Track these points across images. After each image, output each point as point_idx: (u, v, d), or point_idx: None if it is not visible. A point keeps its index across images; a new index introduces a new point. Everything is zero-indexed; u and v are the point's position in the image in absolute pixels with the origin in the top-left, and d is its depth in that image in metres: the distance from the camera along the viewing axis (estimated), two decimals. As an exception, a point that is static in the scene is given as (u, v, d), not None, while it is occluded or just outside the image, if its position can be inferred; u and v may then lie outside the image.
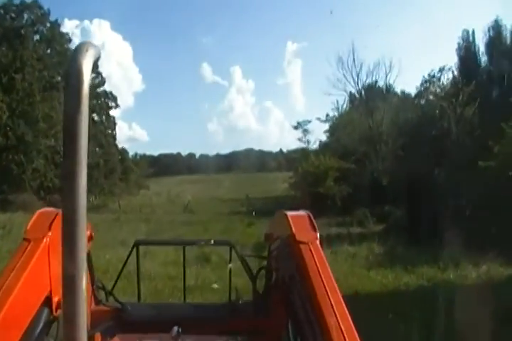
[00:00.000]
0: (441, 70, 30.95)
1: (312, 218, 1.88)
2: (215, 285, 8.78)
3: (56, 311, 1.61)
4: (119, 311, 2.05)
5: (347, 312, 1.42)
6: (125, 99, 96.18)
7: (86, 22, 62.83)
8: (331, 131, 35.38)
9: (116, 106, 43.20)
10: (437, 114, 19.03)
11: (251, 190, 40.09)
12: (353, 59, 29.63)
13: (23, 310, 1.43)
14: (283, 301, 1.85)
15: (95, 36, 76.19)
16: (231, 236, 16.97)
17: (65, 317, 0.76)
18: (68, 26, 52.35)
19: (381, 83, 29.78)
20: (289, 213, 1.91)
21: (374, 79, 29.49)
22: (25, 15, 36.73)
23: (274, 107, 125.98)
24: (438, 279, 10.71)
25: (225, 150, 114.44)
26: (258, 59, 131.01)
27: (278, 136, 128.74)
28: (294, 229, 1.76)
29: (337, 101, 38.03)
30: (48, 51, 37.71)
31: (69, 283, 0.75)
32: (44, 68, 34.83)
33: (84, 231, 0.76)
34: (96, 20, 74.97)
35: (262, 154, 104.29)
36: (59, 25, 38.18)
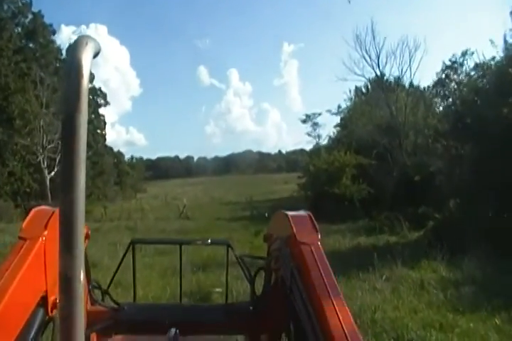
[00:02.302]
0: (463, 54, 26.68)
1: (313, 218, 1.72)
2: (219, 289, 7.75)
3: (52, 311, 1.52)
4: (116, 311, 1.88)
5: (349, 313, 1.31)
6: (123, 103, 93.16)
7: (83, 27, 60.02)
8: (344, 124, 30.58)
9: (106, 103, 39.17)
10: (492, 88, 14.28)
11: (252, 191, 36.44)
12: (373, 37, 24.75)
13: (18, 310, 1.33)
14: (283, 302, 1.68)
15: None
16: (236, 250, 12.49)
17: (62, 318, 0.73)
18: (65, 32, 49.46)
19: (404, 67, 24.62)
20: (290, 213, 1.74)
21: (395, 60, 24.39)
22: (5, 6, 32.10)
23: (272, 108, 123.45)
24: None
25: (223, 153, 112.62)
26: (255, 61, 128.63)
27: (276, 137, 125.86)
28: (295, 230, 1.64)
29: (350, 91, 33.59)
30: (31, 45, 33.08)
31: (66, 283, 0.71)
32: (22, 60, 30.11)
33: (81, 230, 0.71)
34: (92, 25, 71.97)
35: (261, 156, 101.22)
36: (42, 17, 33.73)
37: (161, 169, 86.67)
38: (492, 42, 17.26)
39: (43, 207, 1.71)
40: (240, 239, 15.61)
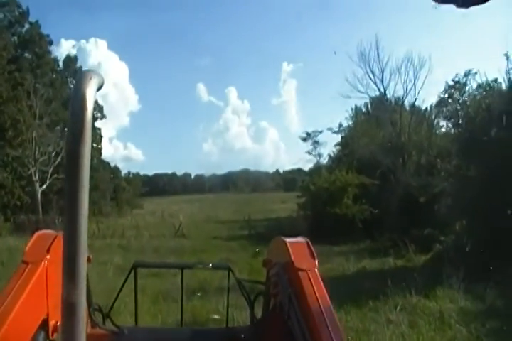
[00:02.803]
0: (466, 75, 26.15)
1: (311, 245, 1.79)
2: (216, 316, 7.42)
3: (52, 335, 1.56)
4: (116, 335, 1.91)
5: (344, 339, 1.36)
6: (121, 118, 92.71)
7: (82, 41, 59.60)
8: (345, 143, 29.80)
9: (102, 116, 38.37)
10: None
11: (249, 210, 35.61)
12: (377, 53, 24.05)
13: (20, 333, 1.37)
14: (281, 327, 1.73)
15: (91, 56, 72.44)
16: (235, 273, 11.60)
17: None
18: (65, 46, 49.32)
19: (409, 85, 23.85)
20: (288, 240, 1.85)
21: (400, 78, 23.64)
22: (1, 15, 31.57)
23: (270, 127, 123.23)
24: None
25: (220, 171, 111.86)
26: (253, 80, 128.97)
27: (274, 156, 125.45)
28: (292, 256, 1.72)
29: (351, 109, 32.96)
30: (27, 55, 32.47)
31: (68, 308, 0.72)
32: (16, 70, 29.42)
33: (85, 256, 0.73)
34: (92, 40, 71.66)
35: (259, 174, 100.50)
36: (39, 27, 33.21)
37: (158, 185, 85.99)
38: (508, 57, 16.50)
39: (45, 231, 1.72)
40: (238, 260, 14.73)
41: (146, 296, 9.92)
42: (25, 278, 1.47)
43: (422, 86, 23.33)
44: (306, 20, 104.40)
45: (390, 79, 23.99)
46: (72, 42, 54.87)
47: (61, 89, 33.49)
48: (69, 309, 0.71)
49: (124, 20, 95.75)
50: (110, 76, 78.68)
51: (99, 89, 0.77)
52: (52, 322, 1.52)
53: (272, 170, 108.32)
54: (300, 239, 1.87)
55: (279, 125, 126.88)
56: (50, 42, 34.18)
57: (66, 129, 0.74)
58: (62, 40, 55.02)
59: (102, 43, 73.90)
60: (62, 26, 76.21)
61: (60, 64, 35.59)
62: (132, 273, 2.10)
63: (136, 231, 25.15)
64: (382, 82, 23.97)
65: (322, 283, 1.60)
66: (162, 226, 28.12)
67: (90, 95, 0.74)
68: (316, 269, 1.66)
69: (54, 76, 33.62)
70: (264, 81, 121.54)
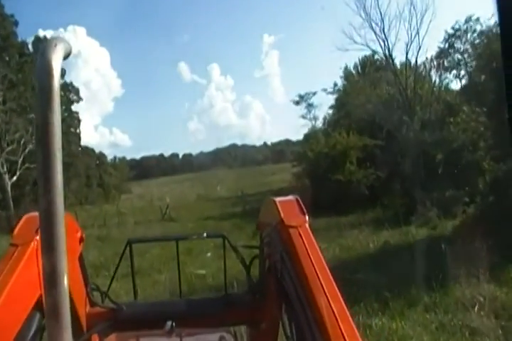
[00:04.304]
0: (467, 21, 23.35)
1: (301, 202, 1.61)
2: (202, 271, 7.77)
3: None
4: (115, 311, 1.72)
5: (338, 292, 1.26)
6: (105, 105, 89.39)
7: (60, 30, 56.56)
8: (340, 104, 26.97)
9: (79, 99, 35.72)
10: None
11: (241, 185, 33.45)
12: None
13: (14, 314, 1.27)
14: (276, 287, 1.56)
15: (71, 44, 69.01)
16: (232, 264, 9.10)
17: (48, 313, 0.72)
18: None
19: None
20: (277, 199, 1.65)
21: (403, 24, 20.71)
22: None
23: (254, 101, 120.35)
24: None
25: (208, 148, 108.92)
26: (235, 54, 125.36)
27: (260, 129, 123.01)
28: (282, 214, 1.55)
29: (346, 66, 30.25)
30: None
31: (50, 280, 0.71)
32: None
33: (62, 229, 0.72)
34: (70, 27, 67.99)
35: (246, 149, 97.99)
36: (2, 7, 30.24)
37: (146, 168, 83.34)
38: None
39: (33, 213, 1.55)
40: (236, 242, 12.07)
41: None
42: (14, 260, 1.32)
43: (425, 33, 20.46)
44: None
45: (390, 27, 20.93)
46: (50, 32, 51.73)
47: (30, 73, 30.51)
48: (51, 281, 0.69)
49: (100, 4, 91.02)
50: (92, 63, 75.46)
51: (66, 57, 0.72)
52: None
53: (259, 143, 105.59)
54: (290, 197, 1.65)
55: (262, 97, 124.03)
56: (16, 23, 31.19)
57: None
58: (40, 31, 51.56)
59: (81, 30, 70.34)
60: (39, 16, 72.13)
61: (30, 47, 32.73)
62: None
63: (120, 218, 22.61)
64: (382, 30, 20.95)
65: (314, 239, 1.44)
66: (149, 210, 25.86)
67: (56, 62, 0.69)
68: (306, 225, 1.50)
69: (24, 60, 30.60)
70: (245, 55, 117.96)
